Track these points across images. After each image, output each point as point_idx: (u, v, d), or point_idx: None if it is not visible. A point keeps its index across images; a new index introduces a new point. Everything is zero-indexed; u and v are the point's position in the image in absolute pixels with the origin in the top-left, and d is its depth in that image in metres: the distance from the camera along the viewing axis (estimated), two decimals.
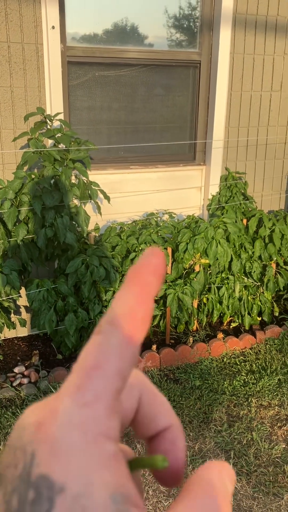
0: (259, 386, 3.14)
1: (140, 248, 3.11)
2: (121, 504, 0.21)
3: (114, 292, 3.05)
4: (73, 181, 3.00)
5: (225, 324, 3.81)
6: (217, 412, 2.92)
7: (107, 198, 2.93)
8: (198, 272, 3.41)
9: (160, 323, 3.50)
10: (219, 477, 0.25)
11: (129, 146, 3.60)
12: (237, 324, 3.74)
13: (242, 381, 3.19)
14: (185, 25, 3.65)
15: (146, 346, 3.41)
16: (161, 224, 3.54)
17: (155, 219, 3.43)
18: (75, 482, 0.20)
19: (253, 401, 3.01)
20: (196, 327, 3.68)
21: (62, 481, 0.20)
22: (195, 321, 3.63)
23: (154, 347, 3.36)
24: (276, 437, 2.75)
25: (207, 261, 3.43)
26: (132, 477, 0.23)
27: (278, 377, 3.21)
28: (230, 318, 3.78)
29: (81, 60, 3.37)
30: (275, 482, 2.45)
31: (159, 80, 3.64)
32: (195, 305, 3.57)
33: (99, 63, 3.43)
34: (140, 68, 3.54)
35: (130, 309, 0.24)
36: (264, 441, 2.70)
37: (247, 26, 3.52)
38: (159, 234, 3.19)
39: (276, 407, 2.98)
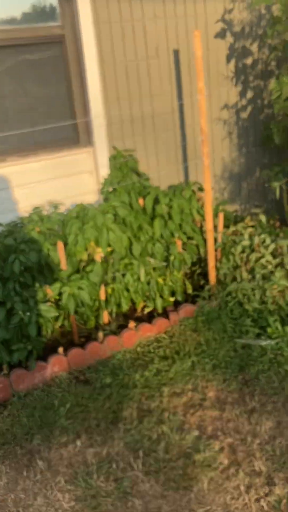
0: (172, 372, 2.98)
1: (21, 249, 2.85)
2: None
3: None
4: None
5: (139, 311, 3.63)
6: (128, 409, 2.74)
7: None
8: (95, 263, 3.19)
9: (65, 322, 3.27)
10: None
11: (1, 136, 3.29)
12: (151, 308, 3.56)
13: (154, 370, 3.02)
14: None
15: (54, 349, 3.18)
16: (51, 217, 3.29)
17: (39, 214, 3.17)
18: None
19: (166, 390, 2.85)
20: (108, 320, 3.48)
21: None
22: (105, 314, 3.42)
23: (60, 349, 3.13)
24: (188, 425, 2.61)
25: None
26: None
27: (191, 359, 3.06)
28: (144, 303, 3.60)
29: None
30: (184, 475, 2.31)
31: (24, 61, 3.33)
32: (103, 296, 3.36)
33: None
34: None
35: None
36: (176, 432, 2.56)
37: None
38: (40, 230, 2.94)
39: (190, 392, 2.84)
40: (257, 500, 2.16)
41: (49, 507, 2.24)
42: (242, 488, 2.22)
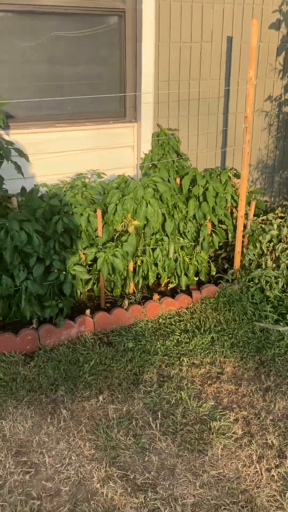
0: (191, 345, 3.12)
1: (65, 211, 2.97)
2: None
3: (38, 258, 2.93)
4: None
5: (162, 286, 3.76)
6: (148, 373, 2.89)
7: (24, 156, 2.76)
8: (130, 234, 3.31)
9: (94, 287, 3.41)
10: None
11: (53, 101, 3.39)
12: (174, 285, 3.69)
13: (175, 340, 3.16)
14: None
15: (80, 311, 3.33)
16: (93, 185, 3.40)
17: (82, 180, 3.28)
18: None
19: (185, 360, 2.99)
20: (133, 290, 3.61)
21: None
22: (131, 284, 3.56)
23: (88, 311, 3.28)
24: (205, 395, 2.75)
25: (139, 222, 3.33)
26: None
27: (211, 335, 3.20)
28: (168, 279, 3.73)
29: None
30: (200, 439, 2.45)
31: (82, 31, 3.41)
32: (131, 267, 3.49)
33: (10, 11, 3.16)
34: (60, 17, 3.30)
35: None
36: (193, 399, 2.70)
37: None
38: (83, 195, 3.05)
39: (208, 365, 2.98)
40: (268, 470, 2.30)
41: (71, 452, 2.39)
42: (254, 457, 2.36)
